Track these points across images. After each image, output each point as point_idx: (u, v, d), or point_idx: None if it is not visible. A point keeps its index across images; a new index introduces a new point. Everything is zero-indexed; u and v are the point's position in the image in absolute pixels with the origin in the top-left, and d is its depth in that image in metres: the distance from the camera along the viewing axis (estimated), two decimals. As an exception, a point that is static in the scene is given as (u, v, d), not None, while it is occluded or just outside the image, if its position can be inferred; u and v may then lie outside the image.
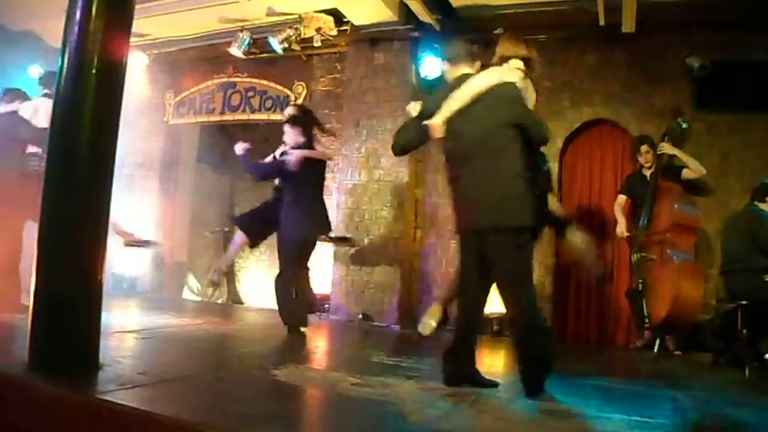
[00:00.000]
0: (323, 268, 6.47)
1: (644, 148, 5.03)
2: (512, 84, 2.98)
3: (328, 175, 6.40)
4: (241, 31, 6.52)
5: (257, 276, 8.02)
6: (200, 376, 2.91)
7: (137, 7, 2.96)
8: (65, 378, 2.39)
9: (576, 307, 5.66)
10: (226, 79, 7.35)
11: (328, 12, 6.15)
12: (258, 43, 6.55)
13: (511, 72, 3.04)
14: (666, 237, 4.74)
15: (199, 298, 8.07)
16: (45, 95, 4.81)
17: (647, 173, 5.00)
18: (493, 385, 2.98)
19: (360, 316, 5.92)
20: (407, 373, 3.28)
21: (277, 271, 4.62)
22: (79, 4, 2.69)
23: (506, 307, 2.87)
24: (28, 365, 2.54)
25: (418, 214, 6.27)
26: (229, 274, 8.37)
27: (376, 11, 5.77)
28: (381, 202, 6.10)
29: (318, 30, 6.18)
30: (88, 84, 2.69)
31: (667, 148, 4.91)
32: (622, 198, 5.16)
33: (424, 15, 5.77)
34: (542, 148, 3.33)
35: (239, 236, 4.87)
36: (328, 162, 5.26)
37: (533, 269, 3.10)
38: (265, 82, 7.12)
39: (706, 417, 2.59)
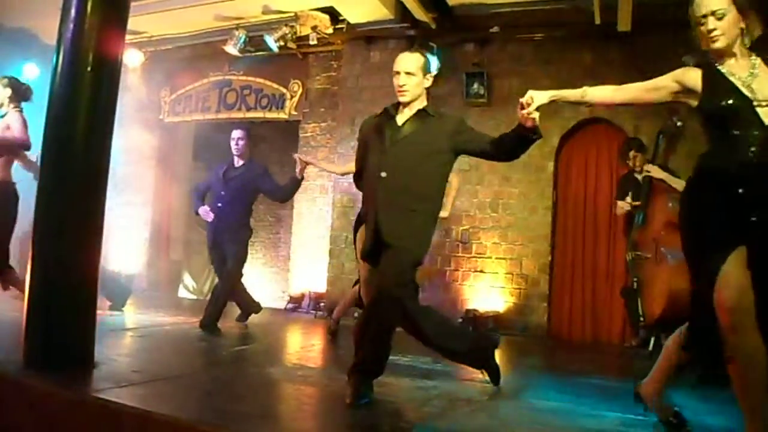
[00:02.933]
0: (319, 267, 6.48)
1: (632, 153, 5.02)
2: None
3: (323, 174, 6.43)
4: (237, 29, 6.51)
5: (253, 275, 8.00)
6: (195, 375, 2.91)
7: (133, 4, 2.96)
8: (60, 376, 2.39)
9: (571, 305, 5.67)
10: (221, 77, 7.32)
11: (324, 10, 6.14)
12: (254, 41, 6.53)
13: None
14: (660, 235, 4.75)
15: (194, 297, 8.06)
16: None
17: (639, 176, 5.00)
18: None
19: (356, 315, 5.92)
20: (403, 372, 3.28)
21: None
22: (75, 1, 2.68)
23: None
24: (23, 363, 2.54)
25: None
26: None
27: (372, 9, 5.76)
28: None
29: (314, 28, 6.17)
30: (83, 82, 2.69)
31: (654, 171, 4.83)
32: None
33: (420, 13, 5.76)
34: None
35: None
36: None
37: None
38: (260, 80, 7.10)
39: (701, 415, 2.60)
